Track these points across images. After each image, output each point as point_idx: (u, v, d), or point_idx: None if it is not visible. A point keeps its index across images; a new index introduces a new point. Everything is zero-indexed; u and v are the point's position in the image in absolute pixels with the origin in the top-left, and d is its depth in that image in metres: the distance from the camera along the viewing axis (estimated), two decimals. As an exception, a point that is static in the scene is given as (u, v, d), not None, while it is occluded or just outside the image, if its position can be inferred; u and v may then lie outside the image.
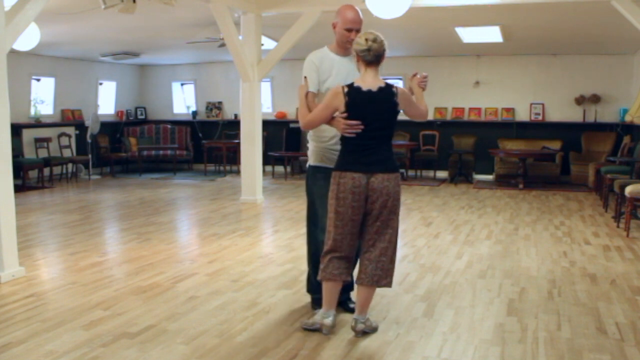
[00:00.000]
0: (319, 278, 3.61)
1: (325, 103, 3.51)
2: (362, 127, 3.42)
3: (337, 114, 3.47)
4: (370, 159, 3.48)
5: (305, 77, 3.74)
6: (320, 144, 3.82)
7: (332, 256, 3.55)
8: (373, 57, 3.44)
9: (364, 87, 3.44)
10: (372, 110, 3.45)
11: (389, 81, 3.57)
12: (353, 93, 3.43)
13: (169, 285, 4.63)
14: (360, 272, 3.55)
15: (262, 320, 3.87)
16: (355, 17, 3.70)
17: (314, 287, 4.06)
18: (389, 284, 3.57)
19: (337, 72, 3.71)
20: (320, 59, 3.76)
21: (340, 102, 3.44)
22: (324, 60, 3.75)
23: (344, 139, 3.52)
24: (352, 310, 3.83)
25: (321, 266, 3.59)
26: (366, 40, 3.42)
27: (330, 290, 3.60)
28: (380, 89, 3.46)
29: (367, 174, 3.46)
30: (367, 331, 3.61)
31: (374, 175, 3.46)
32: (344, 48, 3.77)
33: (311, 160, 3.92)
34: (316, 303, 4.07)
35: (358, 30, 3.66)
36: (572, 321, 3.86)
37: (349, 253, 3.56)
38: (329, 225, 3.54)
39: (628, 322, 3.85)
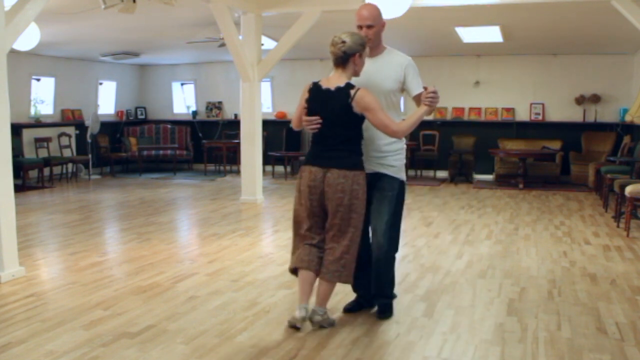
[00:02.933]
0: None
1: (300, 101, 3.69)
2: (319, 122, 3.54)
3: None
4: (328, 154, 3.57)
5: None
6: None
7: (304, 242, 3.66)
8: (333, 58, 3.55)
9: (324, 86, 3.57)
10: (327, 108, 3.55)
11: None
12: (314, 90, 3.59)
13: (169, 285, 4.63)
14: (323, 266, 3.61)
15: (262, 320, 3.87)
16: (362, 14, 3.71)
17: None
18: (349, 280, 3.67)
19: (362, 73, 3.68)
20: None
21: (303, 98, 3.62)
22: None
23: (312, 135, 3.68)
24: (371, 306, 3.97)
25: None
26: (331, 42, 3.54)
27: (302, 280, 3.65)
28: (338, 89, 3.53)
29: (323, 169, 3.55)
30: (323, 325, 3.66)
31: (329, 170, 3.53)
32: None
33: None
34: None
35: (369, 27, 3.67)
36: (572, 321, 3.86)
37: (318, 243, 3.64)
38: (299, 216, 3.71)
39: (628, 322, 3.85)
